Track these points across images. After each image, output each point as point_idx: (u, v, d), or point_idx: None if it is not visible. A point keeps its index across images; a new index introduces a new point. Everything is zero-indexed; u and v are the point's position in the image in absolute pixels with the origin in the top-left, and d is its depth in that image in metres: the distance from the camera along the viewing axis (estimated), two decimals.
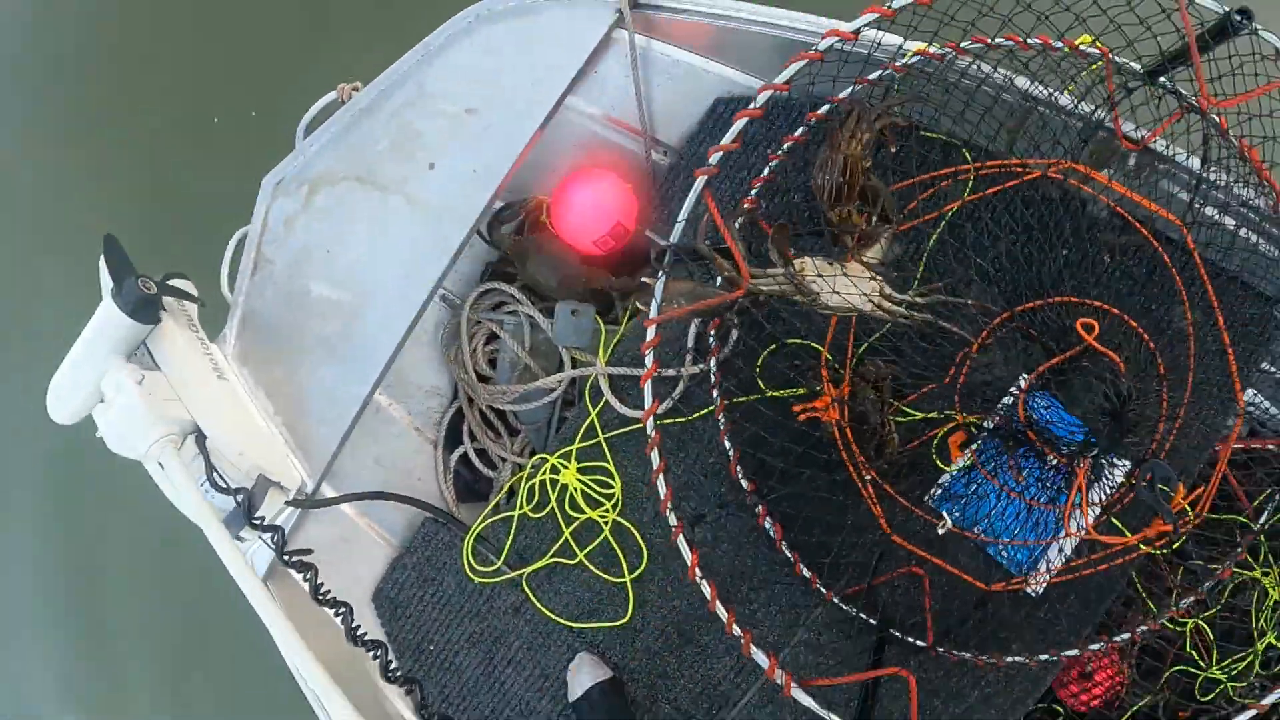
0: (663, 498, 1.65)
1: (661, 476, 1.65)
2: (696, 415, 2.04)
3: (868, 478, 1.90)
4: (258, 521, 1.98)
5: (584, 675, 2.06)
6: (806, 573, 1.95)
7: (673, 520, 1.65)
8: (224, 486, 1.96)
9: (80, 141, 3.21)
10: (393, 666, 1.93)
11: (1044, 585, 2.00)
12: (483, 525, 2.10)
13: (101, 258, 1.98)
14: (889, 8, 1.62)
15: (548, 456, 2.06)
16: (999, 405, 1.98)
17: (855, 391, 1.94)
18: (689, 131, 2.21)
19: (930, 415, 2.00)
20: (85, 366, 1.99)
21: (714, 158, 1.63)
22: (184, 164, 3.01)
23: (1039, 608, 2.04)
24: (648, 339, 1.63)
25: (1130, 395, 1.75)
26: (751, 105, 1.65)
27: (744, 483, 1.90)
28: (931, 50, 1.85)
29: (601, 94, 2.13)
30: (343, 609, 1.94)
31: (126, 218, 2.98)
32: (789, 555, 1.95)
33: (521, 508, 2.07)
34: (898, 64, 1.86)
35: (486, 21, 2.02)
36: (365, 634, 1.95)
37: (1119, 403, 1.75)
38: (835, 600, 1.97)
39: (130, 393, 1.91)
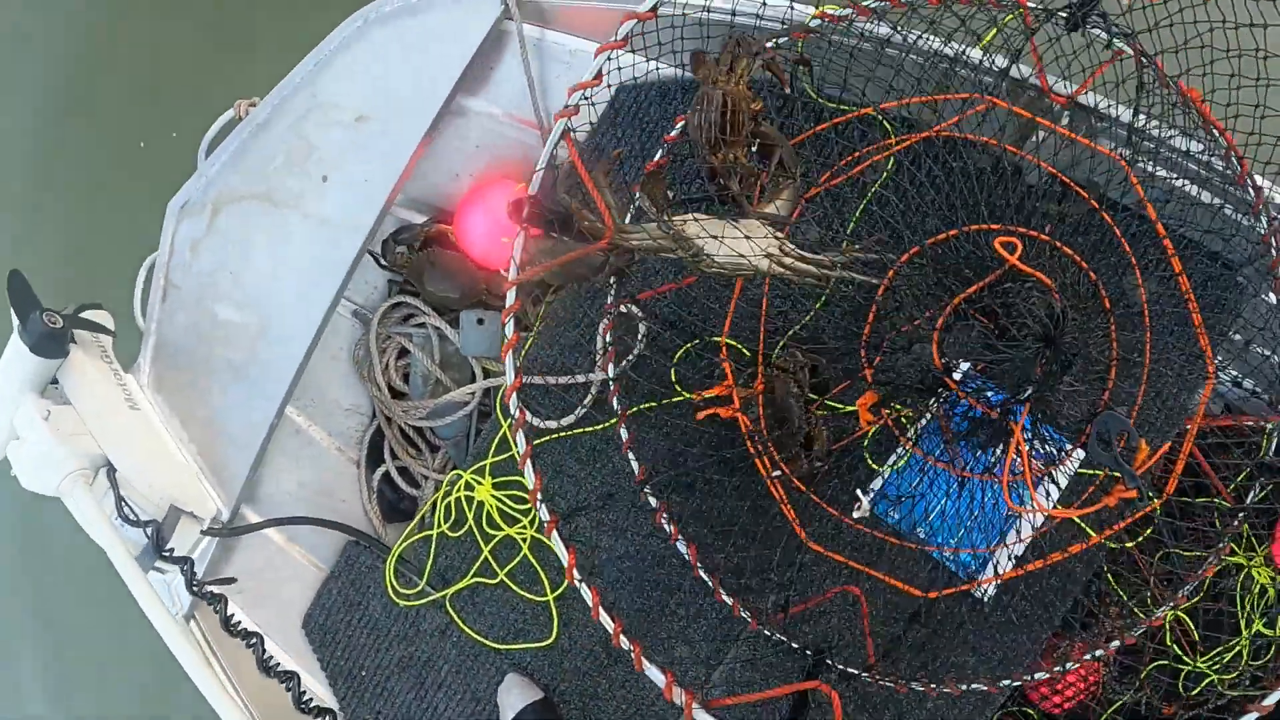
0: (546, 520, 1.48)
1: (540, 498, 1.48)
2: (599, 427, 1.87)
3: (775, 473, 1.68)
4: (167, 554, 1.88)
5: (513, 697, 1.92)
6: (727, 599, 1.73)
7: (561, 551, 1.48)
8: (134, 519, 1.87)
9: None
10: (306, 697, 1.82)
11: (993, 587, 1.78)
12: (404, 546, 1.97)
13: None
14: None
15: (462, 473, 1.92)
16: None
17: (772, 386, 1.74)
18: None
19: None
20: None
21: (573, 97, 1.47)
22: (105, 192, 2.91)
23: (991, 614, 1.82)
24: (508, 303, 1.46)
25: (1065, 315, 1.41)
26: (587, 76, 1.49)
27: (653, 501, 1.73)
28: (830, 12, 1.66)
29: (500, 92, 1.99)
30: (253, 640, 1.84)
31: (49, 248, 2.91)
32: (707, 580, 1.76)
33: (439, 526, 1.93)
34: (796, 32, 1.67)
35: (377, 24, 1.89)
36: (278, 664, 1.84)
37: (1052, 324, 1.40)
38: (762, 629, 1.76)
39: (37, 428, 1.83)
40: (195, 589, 1.86)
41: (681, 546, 1.72)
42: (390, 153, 1.85)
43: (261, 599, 2.05)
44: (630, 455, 1.75)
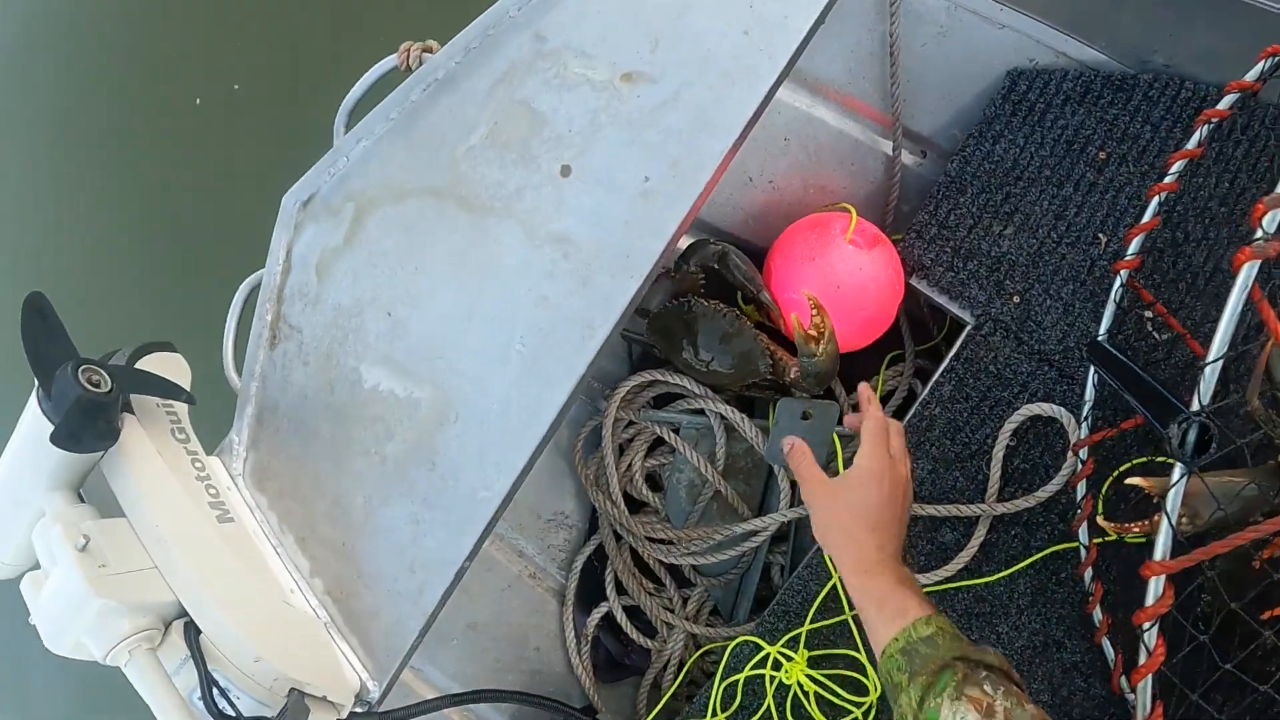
0: None
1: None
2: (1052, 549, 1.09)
3: None
4: None
5: None
6: None
7: None
8: (231, 715, 1.03)
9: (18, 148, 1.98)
10: None
11: None
12: None
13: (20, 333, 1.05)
14: None
15: (762, 644, 1.13)
16: None
17: None
18: (962, 120, 1.25)
19: None
20: (8, 505, 1.08)
21: (1271, 217, 0.69)
22: (167, 178, 1.81)
23: None
24: (1149, 599, 0.73)
25: None
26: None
27: (1109, 651, 0.98)
28: None
29: (829, 62, 1.16)
30: None
31: (84, 261, 1.78)
32: None
33: (716, 714, 1.15)
34: None
35: None
36: None
37: None
38: None
39: (69, 567, 0.98)
40: None
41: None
42: (692, 137, 1.00)
43: None
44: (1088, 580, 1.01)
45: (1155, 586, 0.81)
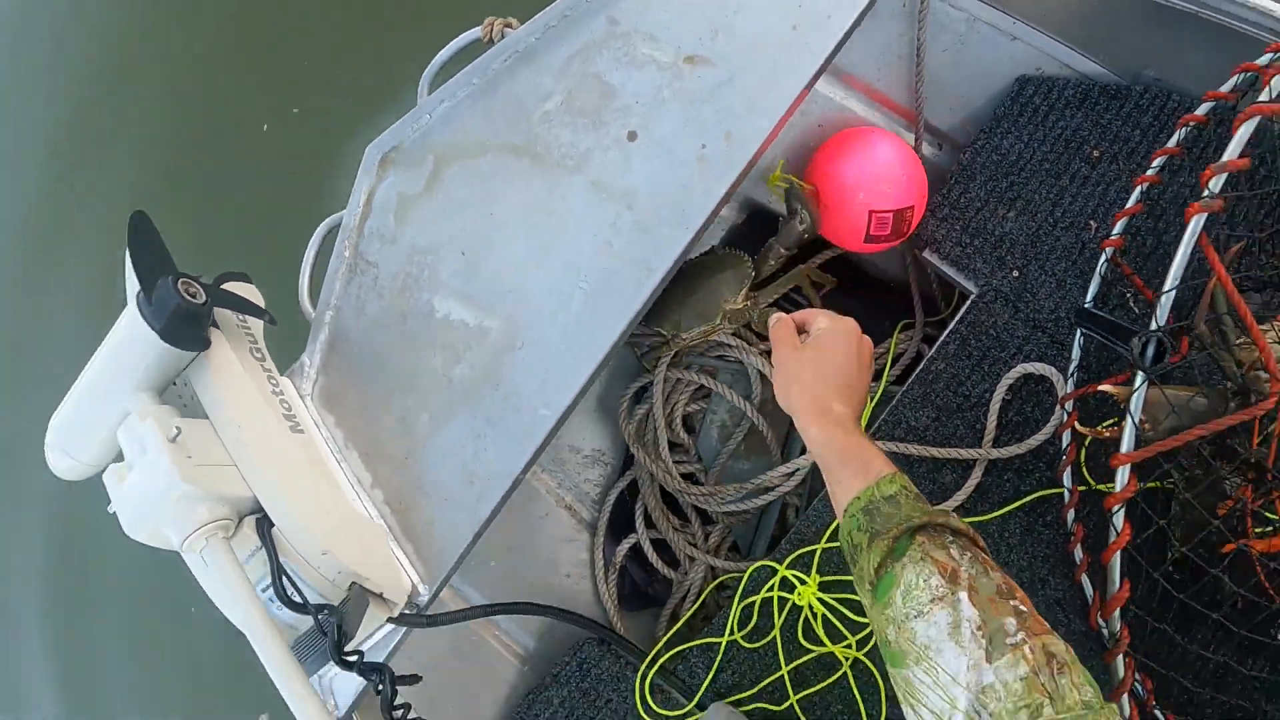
0: None
1: None
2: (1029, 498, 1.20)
3: None
4: (353, 659, 1.12)
5: None
6: None
7: None
8: (298, 601, 1.09)
9: (115, 97, 2.04)
10: None
11: None
12: (670, 653, 1.26)
13: (125, 247, 1.11)
14: None
15: (777, 567, 1.22)
16: None
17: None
18: (975, 118, 1.38)
19: None
20: (97, 403, 1.13)
21: (1216, 181, 0.81)
22: (254, 131, 1.86)
23: None
24: (1118, 486, 0.82)
25: None
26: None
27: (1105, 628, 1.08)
28: None
29: (861, 56, 1.29)
30: None
31: (170, 198, 1.87)
32: None
33: (732, 633, 1.23)
34: None
35: None
36: None
37: None
38: None
39: (159, 454, 1.04)
40: (393, 714, 1.11)
41: (1159, 716, 1.05)
42: (743, 114, 1.10)
43: (441, 698, 1.30)
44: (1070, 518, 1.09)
45: (1122, 475, 0.91)
